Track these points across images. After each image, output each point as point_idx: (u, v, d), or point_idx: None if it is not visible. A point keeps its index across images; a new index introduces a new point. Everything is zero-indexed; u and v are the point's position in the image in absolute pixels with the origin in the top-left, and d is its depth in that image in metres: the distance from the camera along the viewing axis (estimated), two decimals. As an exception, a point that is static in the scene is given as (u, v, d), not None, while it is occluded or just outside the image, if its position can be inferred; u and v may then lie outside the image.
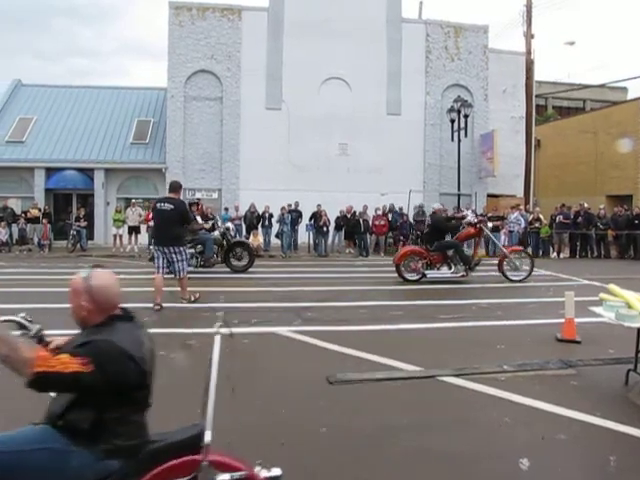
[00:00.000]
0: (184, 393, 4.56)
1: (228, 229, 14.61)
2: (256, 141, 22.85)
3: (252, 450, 3.47)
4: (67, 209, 23.58)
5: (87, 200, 23.54)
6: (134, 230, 20.38)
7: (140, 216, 20.42)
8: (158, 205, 9.15)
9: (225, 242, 14.02)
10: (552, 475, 3.29)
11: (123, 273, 13.46)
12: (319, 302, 9.18)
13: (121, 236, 20.46)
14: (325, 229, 20.11)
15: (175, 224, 8.95)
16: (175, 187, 9.36)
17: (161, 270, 8.98)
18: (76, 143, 23.80)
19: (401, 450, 3.53)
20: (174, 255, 8.95)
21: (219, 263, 13.86)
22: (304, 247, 20.68)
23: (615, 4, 78.33)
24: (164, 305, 8.64)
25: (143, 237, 20.28)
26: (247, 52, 23.12)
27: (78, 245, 20.22)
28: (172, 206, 8.96)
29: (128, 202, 22.20)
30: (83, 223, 20.46)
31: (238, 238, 15.57)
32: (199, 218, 18.93)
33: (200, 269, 13.32)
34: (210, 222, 15.11)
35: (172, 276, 9.12)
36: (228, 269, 13.84)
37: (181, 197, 9.58)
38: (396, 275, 12.48)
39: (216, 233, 14.01)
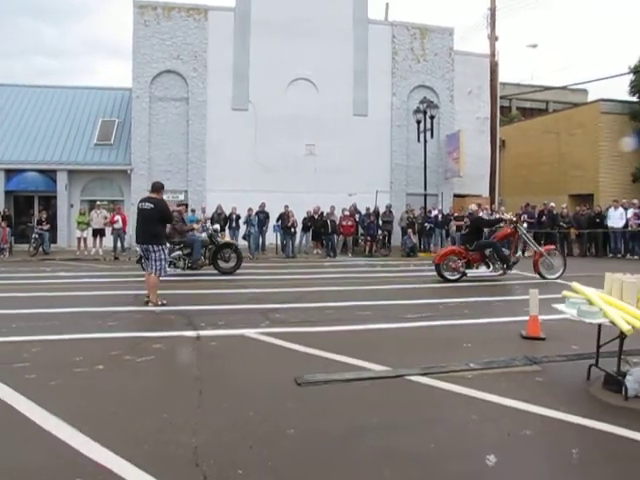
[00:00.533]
0: (152, 397, 4.50)
1: (216, 231, 14.53)
2: (223, 142, 22.73)
3: (220, 453, 3.44)
4: (29, 212, 23.08)
5: (50, 202, 23.07)
6: (99, 233, 20.07)
7: (105, 218, 20.11)
8: (140, 204, 9.37)
9: (213, 244, 13.90)
10: (518, 470, 3.33)
11: (87, 277, 13.28)
12: (287, 303, 9.16)
13: (85, 239, 20.12)
14: (293, 230, 20.09)
15: (155, 223, 9.16)
16: (157, 187, 9.59)
17: (147, 268, 9.27)
18: (38, 144, 23.32)
19: (369, 451, 3.52)
20: (153, 253, 9.08)
21: (207, 265, 13.75)
22: (272, 248, 20.65)
23: (576, 8, 79.96)
24: (133, 309, 8.52)
25: (108, 240, 19.99)
26: (213, 52, 22.99)
27: (40, 249, 19.79)
28: (152, 205, 9.17)
29: (92, 204, 21.85)
30: (45, 226, 20.06)
31: (227, 240, 15.44)
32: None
33: (188, 271, 13.26)
34: (199, 223, 15.07)
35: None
36: (215, 271, 13.75)
37: (163, 197, 9.75)
38: (362, 275, 12.54)
39: (204, 235, 13.93)
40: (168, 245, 10.11)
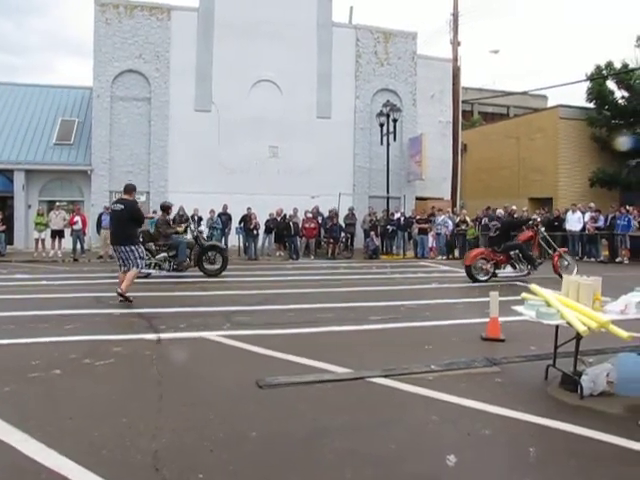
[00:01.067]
0: (111, 402, 4.42)
1: (201, 232, 14.49)
2: (185, 143, 22.52)
3: (181, 457, 3.39)
4: (-17, 212, 22.48)
5: (6, 203, 22.44)
6: (57, 234, 19.63)
7: (64, 220, 19.70)
8: (112, 206, 9.94)
9: (198, 245, 13.78)
10: (477, 469, 3.37)
11: (45, 279, 12.99)
12: (249, 306, 9.13)
13: (43, 240, 19.65)
14: (255, 232, 19.99)
15: (126, 223, 9.50)
16: (128, 189, 9.89)
17: (122, 268, 9.58)
18: (-6, 143, 22.70)
19: (331, 452, 3.52)
20: (127, 253, 9.46)
21: (192, 267, 13.63)
22: (234, 250, 20.50)
23: (538, 16, 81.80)
24: (92, 312, 8.39)
25: (67, 241, 19.57)
26: (176, 52, 22.76)
27: (-4, 250, 19.31)
28: (122, 206, 9.53)
29: (51, 205, 21.40)
30: (1, 227, 19.54)
31: (212, 242, 15.31)
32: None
33: (173, 273, 13.18)
34: (183, 225, 14.98)
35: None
36: (201, 273, 13.67)
37: (135, 198, 10.11)
38: (325, 278, 12.56)
39: (189, 236, 13.88)
40: (148, 245, 10.57)
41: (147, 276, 12.86)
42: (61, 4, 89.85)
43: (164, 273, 13.12)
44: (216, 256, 14.05)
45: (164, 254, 13.19)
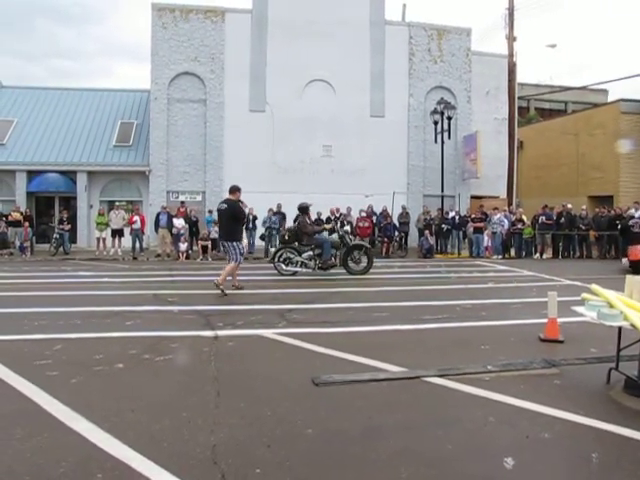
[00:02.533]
0: (170, 396, 4.55)
1: (347, 232, 14.74)
2: (240, 143, 22.83)
3: (238, 452, 3.46)
4: (49, 212, 23.41)
5: (70, 203, 23.31)
6: (117, 233, 20.26)
7: (123, 219, 20.33)
8: (218, 205, 11.07)
9: (344, 245, 14.01)
10: (536, 473, 3.31)
11: (106, 276, 13.41)
12: (304, 304, 9.19)
13: (104, 239, 20.31)
14: None
15: (229, 221, 10.72)
16: (232, 190, 10.99)
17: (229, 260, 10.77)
18: (58, 146, 23.59)
19: (386, 451, 3.53)
20: (230, 248, 10.68)
21: (337, 266, 13.88)
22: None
23: (595, 8, 79.25)
24: (151, 308, 8.61)
25: (127, 240, 20.18)
26: (230, 54, 23.09)
27: (61, 248, 20.05)
28: (226, 205, 10.72)
29: (111, 205, 22.09)
30: (67, 226, 20.31)
31: (358, 241, 15.60)
32: (180, 220, 19.02)
33: (319, 271, 13.55)
34: (330, 224, 15.44)
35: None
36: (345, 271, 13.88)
37: (240, 198, 11.18)
38: (379, 276, 12.54)
39: (334, 236, 14.13)
40: (242, 242, 11.25)
41: (294, 274, 13.43)
42: (118, 11, 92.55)
43: (310, 271, 13.54)
44: (361, 256, 14.16)
45: (309, 253, 13.59)
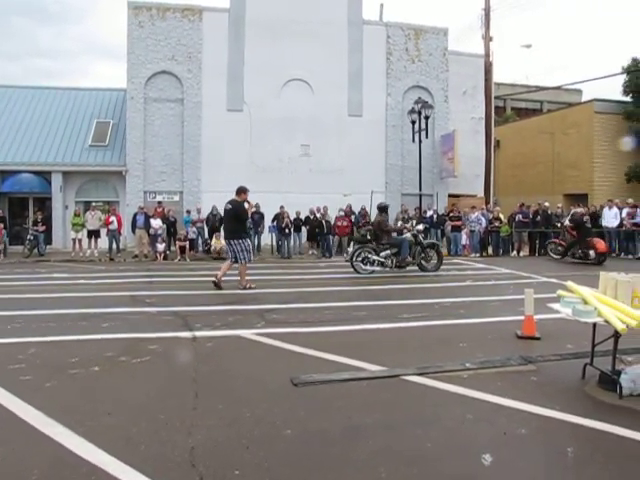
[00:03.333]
0: (147, 398, 4.50)
1: (420, 231, 14.95)
2: (218, 143, 22.69)
3: (216, 454, 3.44)
4: (23, 213, 22.99)
5: (44, 204, 22.92)
6: (94, 234, 20.00)
7: (100, 220, 20.07)
8: (224, 206, 11.47)
9: (417, 244, 14.25)
10: (513, 469, 3.34)
11: (82, 278, 13.25)
12: (283, 304, 9.17)
13: (80, 240, 20.03)
14: (287, 231, 20.07)
15: (232, 220, 11.17)
16: (237, 191, 11.38)
17: (231, 260, 11.19)
18: (32, 145, 23.22)
19: (366, 451, 3.53)
20: (235, 246, 11.01)
21: (413, 264, 14.17)
22: (267, 249, 20.63)
23: (570, 9, 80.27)
24: (128, 310, 8.52)
25: (103, 241, 19.94)
26: (208, 53, 22.93)
27: (35, 250, 19.73)
28: (231, 206, 11.19)
29: (87, 205, 21.78)
30: (41, 227, 19.99)
31: (431, 240, 15.79)
32: (158, 220, 18.91)
33: (395, 270, 13.81)
34: (409, 223, 15.95)
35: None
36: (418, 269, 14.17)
37: (247, 198, 11.41)
38: (358, 275, 12.59)
39: (409, 235, 14.33)
40: (248, 240, 11.44)
41: (371, 273, 13.67)
42: (97, 10, 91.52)
43: (387, 269, 13.79)
44: (433, 254, 14.55)
45: (387, 252, 13.85)
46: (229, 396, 4.55)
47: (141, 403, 4.39)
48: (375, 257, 13.77)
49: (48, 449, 3.52)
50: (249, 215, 11.63)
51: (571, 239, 17.74)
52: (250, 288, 10.89)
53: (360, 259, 13.88)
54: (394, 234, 14.42)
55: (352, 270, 13.73)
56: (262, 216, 20.44)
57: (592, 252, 16.51)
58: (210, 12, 23.24)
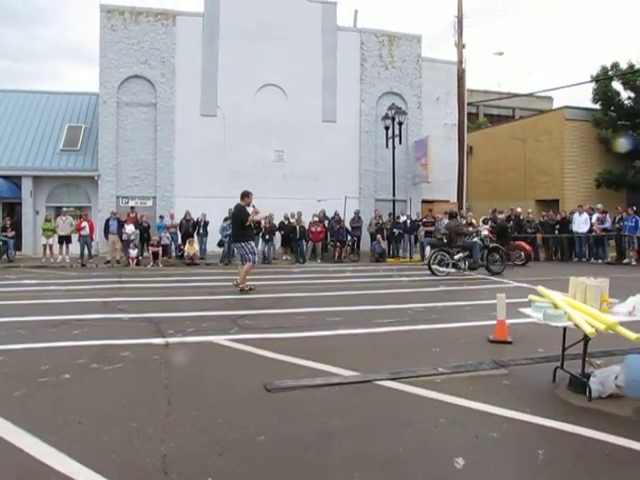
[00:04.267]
0: (119, 406, 4.44)
1: (486, 236, 15.77)
2: (191, 148, 22.58)
3: (189, 461, 3.41)
4: (-8, 218, 22.58)
5: (14, 209, 22.58)
6: (65, 240, 19.68)
7: (71, 225, 19.78)
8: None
9: (485, 247, 15.18)
10: (485, 472, 3.37)
11: (53, 284, 13.04)
12: (257, 310, 9.15)
13: (51, 246, 19.69)
14: (268, 236, 20.05)
15: (235, 224, 11.79)
16: (241, 195, 11.92)
17: (241, 262, 11.86)
18: (2, 149, 22.85)
19: (340, 455, 3.53)
20: (239, 249, 11.74)
21: (482, 266, 14.98)
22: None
23: (543, 18, 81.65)
24: (100, 316, 8.41)
25: (75, 247, 19.64)
26: (182, 58, 22.84)
27: (4, 256, 19.38)
28: (234, 210, 11.91)
29: (59, 211, 21.49)
30: (10, 233, 19.62)
31: (494, 243, 16.28)
32: (131, 226, 18.75)
33: (467, 272, 14.74)
34: (473, 228, 16.59)
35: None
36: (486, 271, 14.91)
37: (250, 202, 11.89)
38: (332, 281, 12.58)
39: (477, 239, 15.13)
40: (252, 242, 11.79)
41: (447, 275, 14.41)
42: (66, 12, 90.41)
43: (458, 270, 14.63)
44: (497, 257, 15.30)
45: (460, 254, 14.66)
46: (202, 402, 4.52)
47: (113, 411, 4.33)
48: (450, 260, 14.59)
49: (17, 460, 3.45)
50: (250, 218, 11.71)
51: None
52: (245, 291, 11.07)
53: (437, 262, 14.66)
54: (465, 238, 15.14)
55: (325, 275, 13.76)
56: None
57: (522, 254, 18.09)
58: (184, 17, 23.15)
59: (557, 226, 20.95)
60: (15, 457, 3.48)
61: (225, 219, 19.81)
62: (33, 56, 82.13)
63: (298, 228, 20.31)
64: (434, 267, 14.51)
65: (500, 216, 20.24)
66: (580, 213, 20.34)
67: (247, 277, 11.42)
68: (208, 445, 3.66)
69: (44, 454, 3.47)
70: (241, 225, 11.49)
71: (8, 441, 3.69)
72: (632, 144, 25.83)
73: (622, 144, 25.78)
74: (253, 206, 11.91)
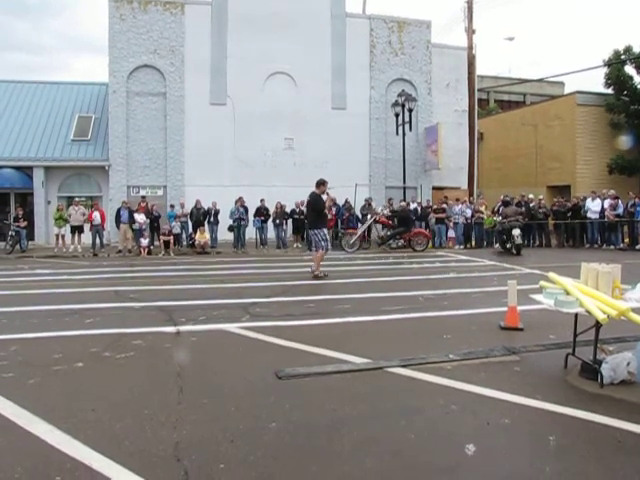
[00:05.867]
0: (132, 394, 4.48)
1: (376, 221, 17.82)
2: (201, 137, 22.60)
3: (201, 448, 3.44)
4: (5, 209, 22.73)
5: (26, 199, 22.73)
6: (77, 229, 19.82)
7: (83, 215, 19.91)
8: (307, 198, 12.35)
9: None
10: (496, 458, 3.37)
11: (66, 274, 13.15)
12: (267, 297, 9.16)
13: (63, 236, 19.84)
14: (279, 221, 20.27)
15: (310, 211, 12.30)
16: (316, 183, 12.11)
17: (312, 249, 12.93)
18: (13, 140, 22.95)
19: (351, 442, 3.54)
20: (312, 236, 12.20)
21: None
22: (252, 243, 20.59)
23: (552, 2, 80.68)
24: (112, 305, 8.47)
25: (87, 237, 19.78)
26: (190, 46, 22.81)
27: (17, 246, 19.53)
28: (309, 198, 12.14)
29: (70, 201, 21.58)
30: (22, 223, 19.75)
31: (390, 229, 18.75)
32: (142, 215, 18.82)
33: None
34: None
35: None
36: None
37: (325, 191, 12.11)
38: (342, 268, 12.58)
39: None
40: (324, 230, 12.07)
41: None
42: (76, 3, 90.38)
43: None
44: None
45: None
46: (214, 390, 4.55)
47: (125, 398, 4.37)
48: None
49: (32, 446, 3.49)
50: (327, 205, 12.43)
51: (388, 230, 19.67)
52: (320, 277, 11.39)
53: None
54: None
55: (335, 262, 13.76)
56: (246, 210, 20.37)
57: (424, 239, 19.31)
58: (192, 5, 23.09)
59: (569, 213, 20.77)
60: (31, 444, 3.52)
61: (235, 202, 19.91)
62: (43, 48, 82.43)
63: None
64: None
65: (402, 203, 20.86)
66: (593, 199, 20.15)
67: (320, 263, 11.73)
68: (220, 432, 3.68)
69: (59, 441, 3.51)
70: (317, 213, 11.92)
71: (24, 428, 3.74)
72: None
73: (625, 141, 25.62)
74: (327, 194, 12.33)
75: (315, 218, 11.97)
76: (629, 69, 27.14)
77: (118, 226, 19.48)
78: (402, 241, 19.07)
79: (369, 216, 20.13)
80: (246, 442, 3.53)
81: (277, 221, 20.34)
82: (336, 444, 3.53)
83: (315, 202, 11.92)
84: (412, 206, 21.82)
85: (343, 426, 3.80)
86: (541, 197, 22.12)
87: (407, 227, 19.34)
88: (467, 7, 25.39)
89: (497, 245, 20.61)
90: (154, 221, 20.09)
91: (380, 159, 24.65)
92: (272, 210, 20.54)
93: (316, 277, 11.39)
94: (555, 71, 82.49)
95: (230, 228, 19.94)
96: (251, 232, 20.65)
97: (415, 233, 19.35)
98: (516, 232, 17.07)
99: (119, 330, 6.69)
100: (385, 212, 20.00)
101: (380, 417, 3.98)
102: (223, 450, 3.42)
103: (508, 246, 17.39)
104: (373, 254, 18.47)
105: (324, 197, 12.04)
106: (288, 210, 20.81)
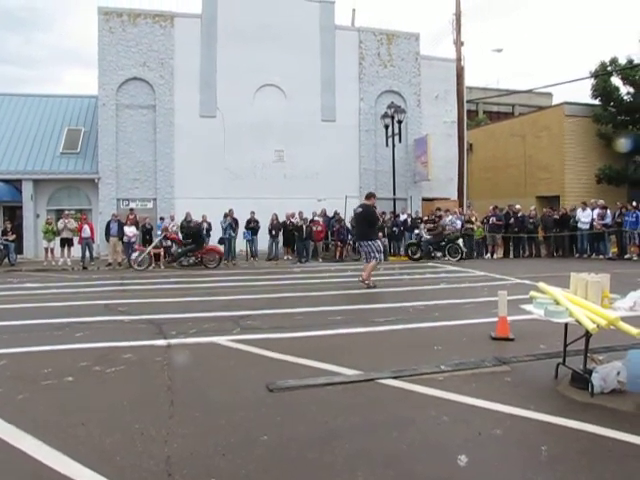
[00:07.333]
0: (122, 408, 4.45)
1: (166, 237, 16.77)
2: (191, 149, 22.59)
3: (193, 462, 3.42)
4: (-7, 222, 22.58)
5: (15, 212, 22.59)
6: (67, 242, 19.67)
7: (73, 228, 19.76)
8: (355, 209, 12.74)
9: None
10: (488, 469, 3.37)
11: (55, 287, 13.05)
12: (258, 310, 9.13)
13: (52, 249, 19.71)
14: (274, 232, 20.41)
15: (363, 223, 12.20)
16: (367, 195, 12.43)
17: (364, 260, 12.52)
18: (2, 153, 22.87)
19: (343, 454, 3.53)
20: (365, 247, 12.01)
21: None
22: (242, 256, 20.56)
23: (541, 14, 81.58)
24: (102, 319, 8.41)
25: (76, 250, 19.64)
26: (180, 59, 22.84)
27: (6, 260, 19.37)
28: (361, 209, 12.26)
29: (60, 214, 21.46)
30: (11, 237, 19.62)
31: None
32: (132, 228, 18.77)
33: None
34: None
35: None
36: None
37: (374, 203, 12.32)
38: (333, 280, 12.58)
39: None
40: (378, 241, 12.32)
41: None
42: (66, 16, 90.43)
43: None
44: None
45: None
46: (205, 404, 4.52)
47: (116, 413, 4.34)
48: None
49: (21, 463, 3.45)
50: (380, 218, 12.71)
51: (179, 247, 18.84)
52: (370, 287, 11.51)
53: None
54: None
55: (326, 274, 13.77)
56: (236, 222, 20.33)
57: (216, 257, 18.50)
58: (182, 18, 23.15)
59: (557, 225, 20.91)
60: (19, 460, 3.48)
61: (225, 215, 19.86)
62: (34, 61, 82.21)
63: (305, 228, 20.29)
64: None
65: (194, 219, 20.03)
66: (584, 209, 20.29)
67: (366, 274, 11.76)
68: (211, 446, 3.66)
69: (48, 457, 3.48)
70: (369, 224, 12.06)
71: (12, 444, 3.70)
72: (632, 140, 25.77)
73: (622, 144, 25.74)
74: (375, 207, 12.48)
75: (367, 230, 12.07)
76: (615, 80, 27.44)
77: (108, 239, 19.37)
78: (194, 258, 18.33)
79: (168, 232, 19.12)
80: (238, 456, 3.52)
81: (273, 232, 20.38)
82: (328, 456, 3.52)
83: (369, 214, 12.08)
84: (402, 217, 21.89)
85: (335, 438, 3.78)
86: (533, 207, 22.25)
87: (197, 244, 18.44)
88: (455, 19, 25.59)
89: (488, 255, 20.73)
90: (146, 234, 19.98)
91: (370, 170, 24.73)
92: (265, 222, 20.56)
93: (368, 287, 11.55)
94: (543, 82, 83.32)
95: (220, 241, 19.88)
96: (241, 244, 20.62)
97: (207, 250, 18.59)
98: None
99: (109, 344, 6.64)
100: (174, 229, 19.59)
101: (372, 429, 3.97)
102: (215, 464, 3.40)
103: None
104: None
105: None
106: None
